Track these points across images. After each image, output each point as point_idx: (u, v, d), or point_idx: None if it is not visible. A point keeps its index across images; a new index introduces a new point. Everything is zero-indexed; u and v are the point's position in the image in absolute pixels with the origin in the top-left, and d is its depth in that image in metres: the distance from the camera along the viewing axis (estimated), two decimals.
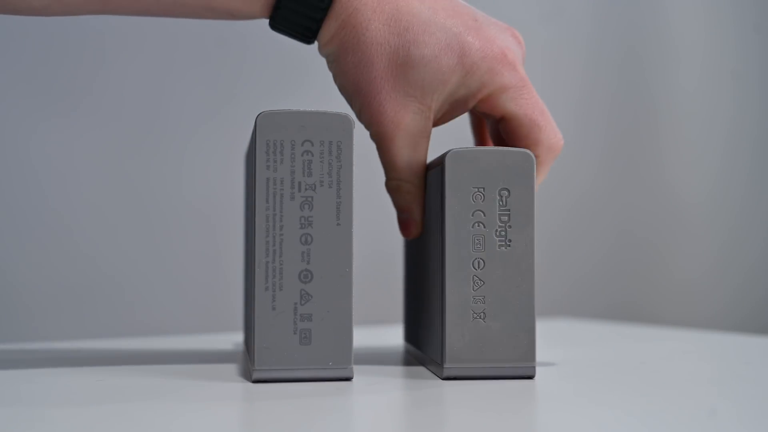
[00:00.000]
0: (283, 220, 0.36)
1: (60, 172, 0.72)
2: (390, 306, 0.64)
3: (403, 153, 0.40)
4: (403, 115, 0.40)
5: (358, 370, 0.38)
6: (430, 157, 0.41)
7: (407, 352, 0.48)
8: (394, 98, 0.39)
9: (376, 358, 0.46)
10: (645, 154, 1.06)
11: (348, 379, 0.37)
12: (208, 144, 0.78)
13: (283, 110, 0.37)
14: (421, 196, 0.41)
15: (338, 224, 0.37)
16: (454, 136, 0.94)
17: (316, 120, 0.37)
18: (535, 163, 0.38)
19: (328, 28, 0.40)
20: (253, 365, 0.36)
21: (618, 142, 1.05)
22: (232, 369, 0.41)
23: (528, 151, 0.38)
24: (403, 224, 0.42)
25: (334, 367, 0.37)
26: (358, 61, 0.39)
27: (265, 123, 0.36)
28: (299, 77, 0.85)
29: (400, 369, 0.43)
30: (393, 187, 0.41)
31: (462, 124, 1.00)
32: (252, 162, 0.38)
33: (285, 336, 0.36)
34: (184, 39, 0.83)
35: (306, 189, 0.37)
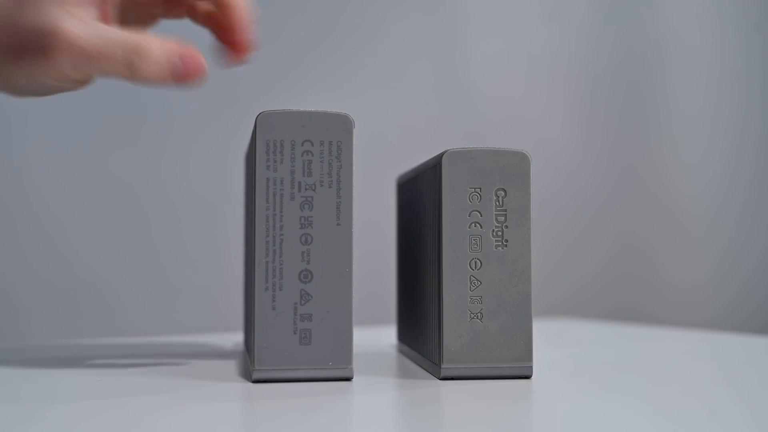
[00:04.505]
0: (283, 220, 0.36)
1: (57, 172, 0.73)
2: (382, 306, 0.64)
3: (93, 36, 0.37)
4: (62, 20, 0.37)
5: (356, 370, 0.38)
6: (427, 156, 0.41)
7: (402, 352, 0.48)
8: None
9: (372, 358, 0.46)
10: (645, 154, 1.06)
11: (348, 379, 0.37)
12: (208, 144, 0.78)
13: (283, 110, 0.37)
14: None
15: (338, 224, 0.37)
16: (452, 136, 0.95)
17: (316, 120, 0.37)
18: (530, 163, 0.38)
19: None
20: (253, 365, 0.36)
21: (618, 142, 1.05)
22: (232, 369, 0.41)
23: (524, 151, 0.38)
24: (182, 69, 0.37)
25: (334, 367, 0.37)
26: None
27: (265, 123, 0.37)
28: (299, 77, 0.85)
29: (397, 369, 0.43)
30: (131, 51, 0.37)
31: (460, 124, 1.01)
32: (252, 162, 0.38)
33: (285, 336, 0.36)
34: (182, 37, 0.83)
35: (306, 189, 0.37)
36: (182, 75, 0.38)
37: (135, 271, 0.77)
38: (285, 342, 0.36)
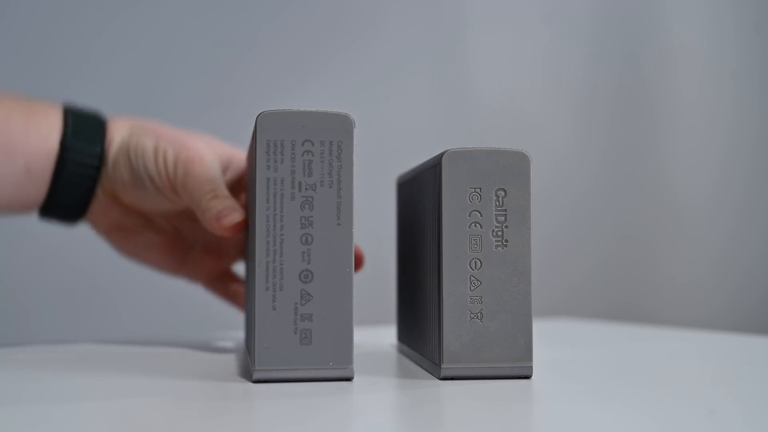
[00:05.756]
0: (283, 220, 0.36)
1: None
2: (382, 306, 0.64)
3: (212, 169, 0.47)
4: (203, 145, 0.48)
5: (356, 370, 0.38)
6: (427, 156, 0.42)
7: (402, 352, 0.48)
8: (193, 138, 0.48)
9: (372, 358, 0.46)
10: (645, 155, 1.06)
11: (348, 379, 0.37)
12: None
13: (283, 110, 0.37)
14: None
15: (339, 224, 0.37)
16: (452, 136, 0.95)
17: (317, 120, 0.37)
18: (530, 163, 0.38)
19: (117, 130, 0.49)
20: (254, 365, 0.36)
21: (618, 143, 1.05)
22: (232, 369, 0.41)
23: (524, 151, 0.38)
24: (224, 216, 0.45)
25: (335, 367, 0.37)
26: (154, 127, 0.49)
27: (265, 123, 0.36)
28: (299, 77, 0.85)
29: (397, 369, 0.43)
30: (211, 197, 0.46)
31: (460, 124, 1.00)
32: (252, 162, 0.38)
33: (285, 336, 0.36)
34: (183, 38, 0.83)
35: (306, 189, 0.37)
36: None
37: (134, 272, 0.77)
38: (285, 342, 0.36)
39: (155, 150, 0.47)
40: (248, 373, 0.39)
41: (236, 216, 0.44)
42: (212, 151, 0.48)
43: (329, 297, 0.37)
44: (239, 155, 0.50)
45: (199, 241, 0.53)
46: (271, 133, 0.36)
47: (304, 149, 0.37)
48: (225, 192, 0.46)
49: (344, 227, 0.37)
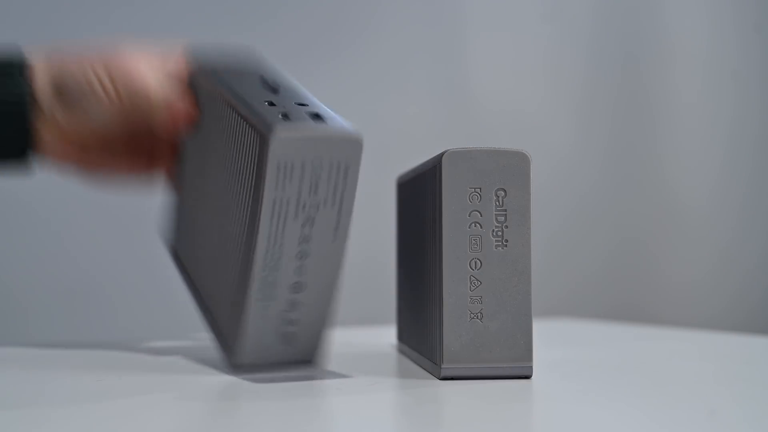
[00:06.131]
0: (284, 238, 0.37)
1: (53, 176, 0.72)
2: (382, 306, 0.64)
3: (153, 80, 0.48)
4: (136, 61, 0.49)
5: (356, 370, 0.38)
6: (427, 156, 0.41)
7: (402, 352, 0.48)
8: (125, 55, 0.49)
9: (372, 358, 0.46)
10: (646, 156, 1.06)
11: (316, 366, 0.39)
12: None
13: (296, 133, 0.36)
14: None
15: (334, 241, 0.37)
16: (453, 136, 0.94)
17: (328, 142, 0.36)
18: (530, 163, 0.38)
19: (40, 74, 0.49)
20: (234, 357, 0.39)
21: (619, 143, 1.05)
22: (229, 369, 0.41)
23: (524, 151, 0.38)
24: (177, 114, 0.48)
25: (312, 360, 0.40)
26: (80, 57, 0.49)
27: (277, 145, 0.35)
28: (298, 76, 0.85)
29: (397, 369, 0.43)
30: (164, 106, 0.48)
31: (461, 124, 1.00)
32: (249, 175, 0.38)
33: (270, 336, 0.38)
34: (180, 37, 0.82)
35: (310, 208, 0.37)
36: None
37: (133, 272, 0.77)
38: (269, 341, 0.39)
39: (87, 77, 0.48)
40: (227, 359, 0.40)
41: (181, 106, 0.46)
42: (147, 62, 0.49)
43: (315, 304, 0.38)
44: (174, 61, 0.51)
45: (159, 136, 0.53)
46: (282, 156, 0.36)
47: (313, 170, 0.36)
48: (173, 99, 0.48)
49: (338, 243, 0.38)
